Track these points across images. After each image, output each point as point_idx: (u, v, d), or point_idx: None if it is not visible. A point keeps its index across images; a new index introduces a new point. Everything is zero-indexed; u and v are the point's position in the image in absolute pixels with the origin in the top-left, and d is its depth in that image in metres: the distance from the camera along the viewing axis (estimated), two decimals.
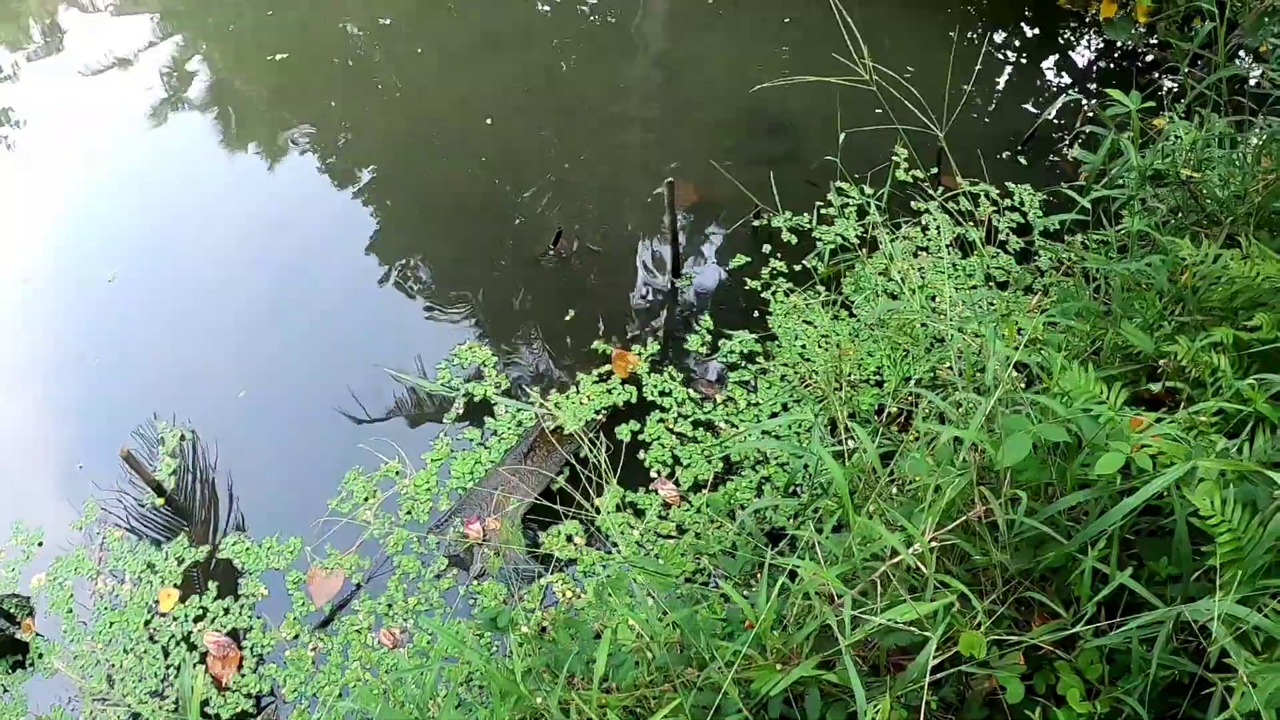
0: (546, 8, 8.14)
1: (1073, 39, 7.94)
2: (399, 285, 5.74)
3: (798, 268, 5.66)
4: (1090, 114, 6.83)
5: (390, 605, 4.25)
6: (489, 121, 6.85)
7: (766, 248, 5.79)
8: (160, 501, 4.69)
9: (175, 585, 4.38)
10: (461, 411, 4.97)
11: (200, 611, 4.30)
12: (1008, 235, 5.78)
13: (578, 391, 5.00)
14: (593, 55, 7.61)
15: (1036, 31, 7.99)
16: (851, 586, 2.85)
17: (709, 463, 4.70)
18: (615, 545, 4.40)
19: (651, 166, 6.45)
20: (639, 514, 4.51)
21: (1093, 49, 7.79)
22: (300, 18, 8.01)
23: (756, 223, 5.94)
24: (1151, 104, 4.92)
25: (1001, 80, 7.44)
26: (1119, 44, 7.56)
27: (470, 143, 6.68)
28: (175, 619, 4.27)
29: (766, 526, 4.36)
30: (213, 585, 4.38)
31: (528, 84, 7.22)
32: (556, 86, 7.26)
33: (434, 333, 5.46)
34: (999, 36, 7.87)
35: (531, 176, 6.38)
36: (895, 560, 2.83)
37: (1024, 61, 7.65)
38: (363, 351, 5.29)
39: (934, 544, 2.88)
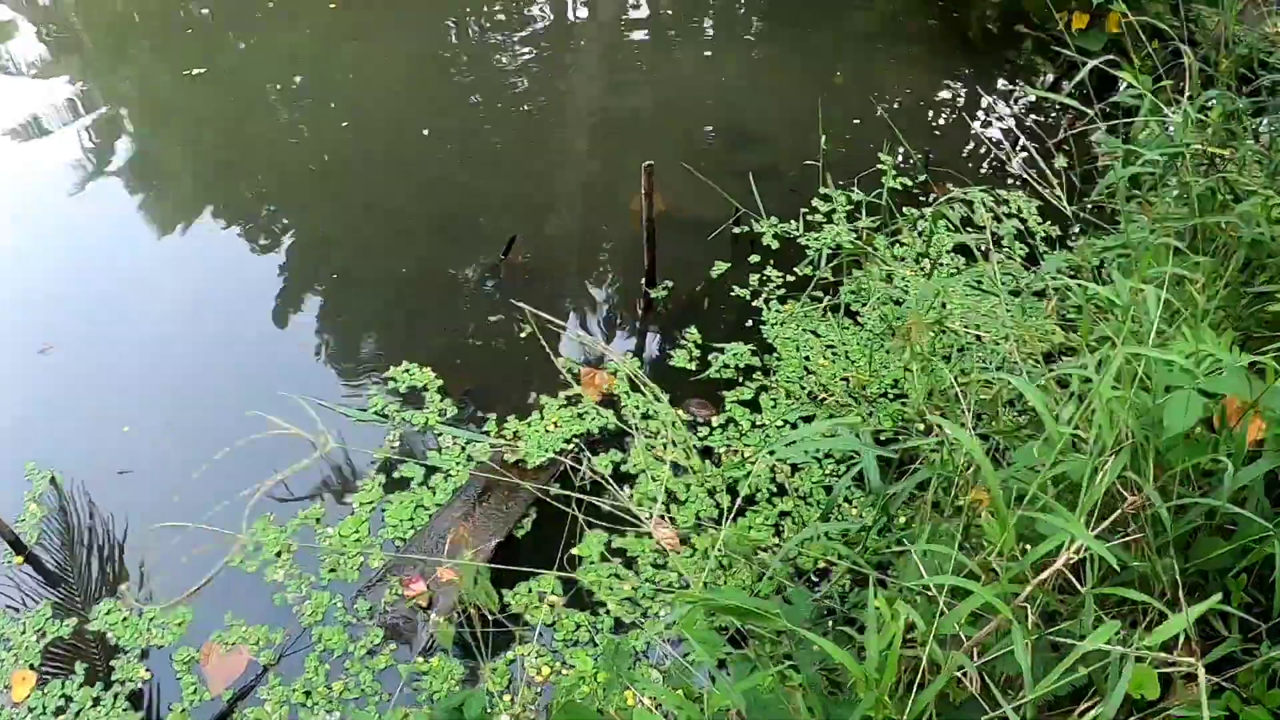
0: (499, 36, 7.39)
1: (1039, 60, 7.50)
2: (325, 303, 4.79)
3: (790, 276, 4.87)
4: (1073, 121, 6.35)
5: (309, 692, 3.25)
6: (425, 133, 6.00)
7: (755, 258, 4.99)
8: (19, 560, 3.66)
9: (32, 666, 3.33)
10: (398, 445, 4.02)
11: (63, 701, 3.25)
12: (1010, 241, 5.08)
13: (542, 418, 4.09)
14: (552, 74, 6.85)
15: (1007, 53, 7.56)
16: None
17: (712, 496, 3.80)
18: (603, 604, 3.47)
19: (615, 177, 5.66)
20: (630, 563, 3.58)
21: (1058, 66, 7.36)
22: (229, 67, 7.13)
23: (737, 230, 5.16)
24: (1165, 83, 4.41)
25: (979, 100, 6.93)
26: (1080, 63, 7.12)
27: (413, 158, 5.83)
28: (30, 710, 3.21)
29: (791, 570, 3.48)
30: (80, 667, 3.34)
31: (478, 101, 6.43)
32: (510, 102, 6.46)
33: (367, 353, 4.53)
34: (971, 60, 7.38)
35: (484, 191, 5.54)
36: (1059, 565, 1.97)
37: (999, 83, 7.14)
38: (279, 378, 4.33)
39: (1082, 551, 2.03)
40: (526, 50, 7.04)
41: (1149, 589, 2.19)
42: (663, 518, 3.72)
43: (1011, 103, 7.01)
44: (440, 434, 4.03)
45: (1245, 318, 3.15)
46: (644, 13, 7.74)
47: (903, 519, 3.21)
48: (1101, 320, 2.99)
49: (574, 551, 3.59)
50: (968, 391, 3.01)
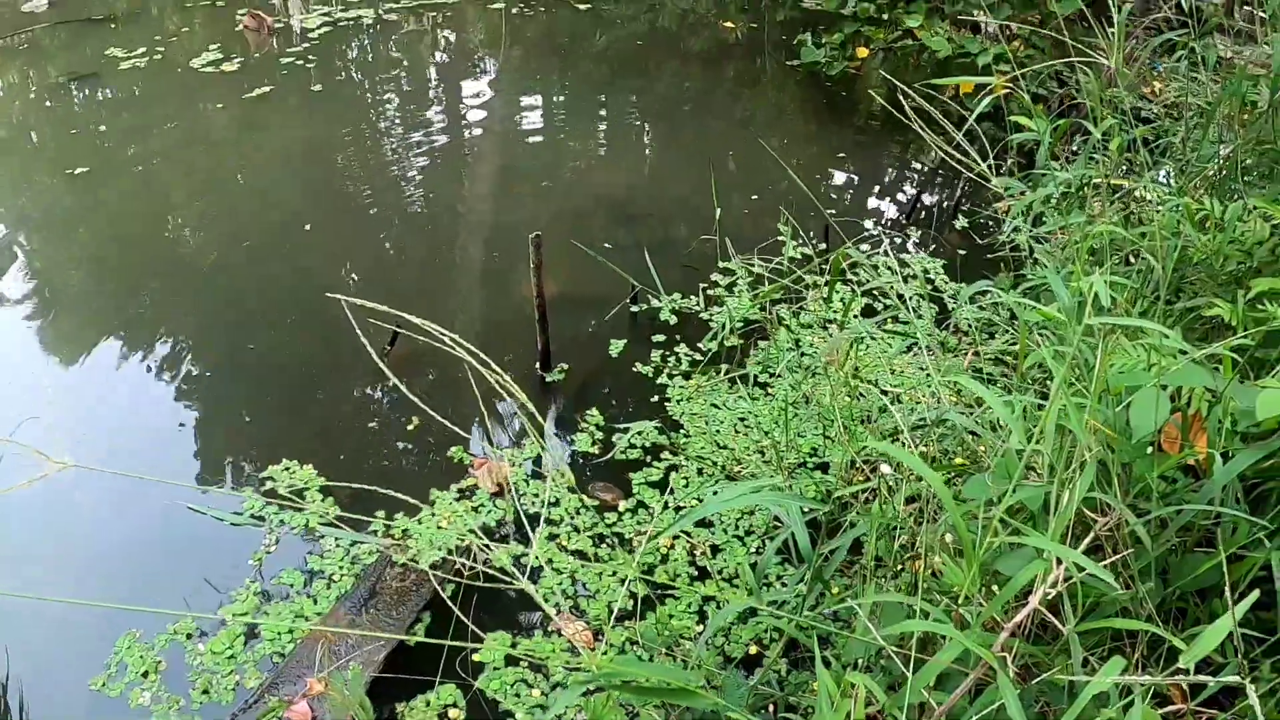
0: (393, 136, 7.14)
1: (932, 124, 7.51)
2: (200, 402, 4.36)
3: (693, 351, 4.62)
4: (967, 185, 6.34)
5: None
6: (307, 228, 5.66)
7: (660, 337, 4.71)
8: None
9: None
10: (275, 549, 3.61)
11: None
12: (918, 301, 4.93)
13: (433, 514, 3.71)
14: (443, 171, 6.61)
15: (899, 125, 7.54)
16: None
17: (623, 584, 3.44)
18: (510, 715, 3.07)
19: (507, 265, 5.38)
20: (538, 666, 3.19)
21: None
22: (112, 166, 6.74)
23: (636, 308, 4.90)
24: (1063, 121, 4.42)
25: (876, 171, 6.90)
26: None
27: (298, 254, 5.48)
28: None
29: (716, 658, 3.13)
30: None
31: (369, 197, 6.14)
32: (400, 199, 6.18)
33: (244, 452, 4.11)
34: (864, 134, 7.39)
35: (372, 284, 5.21)
36: (1035, 605, 1.68)
37: (894, 153, 7.13)
38: (151, 482, 3.89)
39: (1060, 584, 1.75)
40: (419, 148, 6.82)
41: (1130, 618, 1.92)
42: (572, 612, 3.35)
43: (909, 170, 6.98)
44: (322, 536, 3.62)
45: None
46: (538, 114, 7.61)
47: (838, 590, 2.92)
48: (1036, 345, 2.77)
49: (475, 657, 3.19)
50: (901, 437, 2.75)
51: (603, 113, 7.62)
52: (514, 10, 9.87)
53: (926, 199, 6.45)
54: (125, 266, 5.43)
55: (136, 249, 5.60)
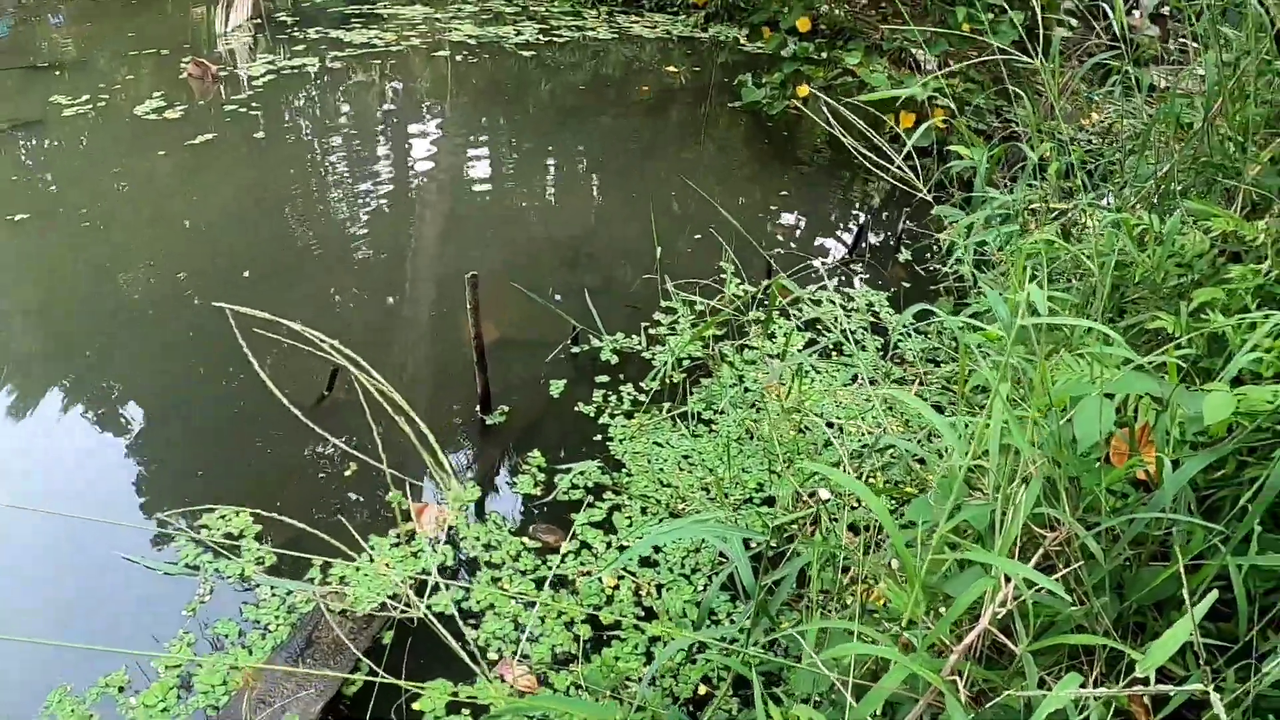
0: (339, 188, 7.03)
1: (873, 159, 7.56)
2: (133, 448, 4.20)
3: (635, 390, 4.54)
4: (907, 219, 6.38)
5: None
6: (246, 275, 5.53)
7: (602, 377, 4.64)
8: None
9: None
10: (210, 598, 3.46)
11: None
12: (863, 335, 4.90)
13: (372, 560, 3.58)
14: (387, 218, 6.52)
15: (840, 162, 7.60)
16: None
17: (570, 629, 3.33)
18: None
19: (448, 308, 5.28)
20: (480, 713, 3.07)
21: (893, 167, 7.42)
22: (52, 211, 6.59)
23: (576, 348, 4.82)
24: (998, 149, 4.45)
25: (818, 208, 6.90)
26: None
27: (231, 297, 5.32)
28: None
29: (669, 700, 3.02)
30: None
31: (304, 239, 6.02)
32: (336, 240, 6.07)
33: (177, 500, 3.96)
34: (806, 174, 7.42)
35: (308, 328, 5.08)
36: (985, 624, 1.60)
37: (836, 191, 7.15)
38: (84, 528, 3.73)
39: (1010, 602, 1.68)
40: (365, 195, 6.73)
41: (1086, 634, 1.84)
42: (514, 657, 3.23)
43: (851, 206, 6.99)
44: (258, 584, 3.48)
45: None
46: (484, 161, 7.56)
47: (786, 625, 2.83)
48: (978, 367, 2.71)
49: (415, 705, 3.06)
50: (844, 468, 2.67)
51: (549, 159, 7.59)
52: (459, 58, 9.85)
53: (869, 233, 6.46)
54: (65, 313, 5.27)
55: (77, 296, 5.44)
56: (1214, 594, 1.38)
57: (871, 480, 3.05)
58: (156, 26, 10.78)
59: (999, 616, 1.62)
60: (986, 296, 2.48)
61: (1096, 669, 1.85)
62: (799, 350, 4.73)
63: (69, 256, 5.84)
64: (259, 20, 10.74)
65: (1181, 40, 6.73)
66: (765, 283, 5.31)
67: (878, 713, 1.58)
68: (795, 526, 3.24)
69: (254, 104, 8.22)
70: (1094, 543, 1.83)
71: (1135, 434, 2.24)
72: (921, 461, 3.04)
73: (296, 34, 10.34)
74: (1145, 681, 1.32)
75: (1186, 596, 1.34)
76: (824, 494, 2.09)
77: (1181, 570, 1.53)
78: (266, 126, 7.79)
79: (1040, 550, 1.82)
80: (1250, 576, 1.99)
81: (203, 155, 7.15)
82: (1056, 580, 1.73)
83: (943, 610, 1.77)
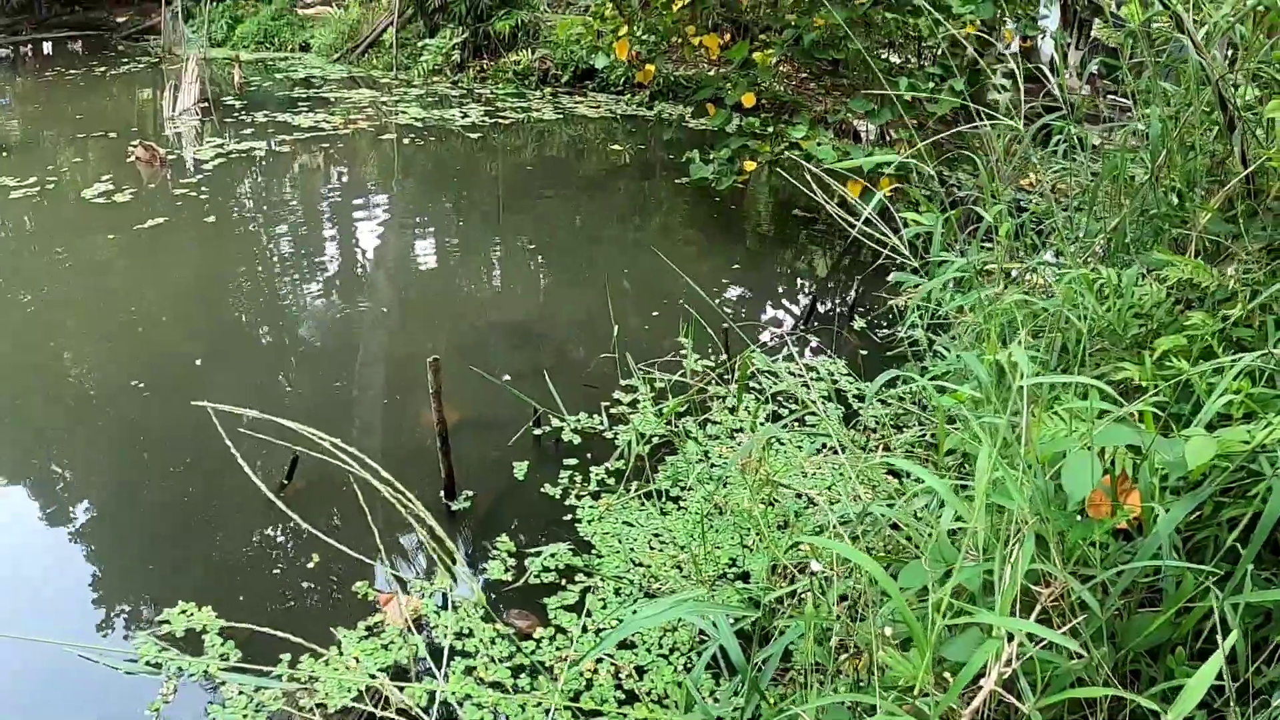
0: (287, 274, 6.96)
1: (822, 229, 7.66)
2: (87, 545, 4.06)
3: (600, 470, 4.49)
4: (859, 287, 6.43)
5: None
6: (198, 363, 5.43)
7: (566, 459, 4.58)
8: None
9: None
10: (173, 698, 3.32)
11: None
12: (824, 403, 4.90)
13: (340, 653, 3.47)
14: (338, 305, 6.45)
15: (790, 234, 7.68)
16: None
17: (548, 715, 3.24)
18: None
19: (405, 394, 5.21)
20: None
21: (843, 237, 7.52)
22: None
23: (538, 430, 4.76)
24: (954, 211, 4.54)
25: (771, 279, 6.95)
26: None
27: (183, 386, 5.24)
28: None
29: None
30: None
31: (255, 325, 5.94)
32: (287, 327, 6.00)
33: (136, 597, 3.83)
34: (757, 245, 7.49)
35: (264, 419, 4.96)
36: (992, 685, 1.56)
37: (787, 261, 7.22)
38: (36, 624, 3.58)
39: (1014, 662, 1.65)
40: (315, 281, 6.69)
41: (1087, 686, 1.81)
42: None
43: (802, 277, 7.04)
44: (223, 682, 3.35)
45: None
46: (432, 244, 7.55)
47: (774, 699, 2.77)
48: (951, 430, 2.71)
49: None
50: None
51: (497, 240, 7.59)
52: (405, 141, 9.89)
53: (822, 304, 6.50)
54: (11, 405, 5.14)
55: (23, 386, 5.32)
56: (1235, 634, 1.36)
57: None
58: (104, 109, 10.77)
59: (1004, 676, 1.59)
60: (951, 358, 2.48)
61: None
62: (764, 423, 4.71)
63: (14, 344, 5.73)
64: (206, 104, 10.75)
65: (1111, 97, 6.90)
66: (727, 359, 5.32)
67: None
68: (777, 601, 3.19)
69: (203, 188, 8.20)
70: (1089, 596, 1.81)
71: (1115, 482, 2.24)
72: (896, 527, 3.01)
73: (244, 117, 10.37)
74: None
75: (1184, 647, 1.31)
76: (815, 566, 2.05)
77: (1182, 612, 1.51)
78: (216, 210, 7.75)
79: (1038, 607, 1.79)
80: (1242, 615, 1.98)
81: (153, 239, 7.09)
82: (1059, 634, 1.70)
83: (948, 675, 1.73)
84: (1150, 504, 1.99)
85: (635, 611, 3.34)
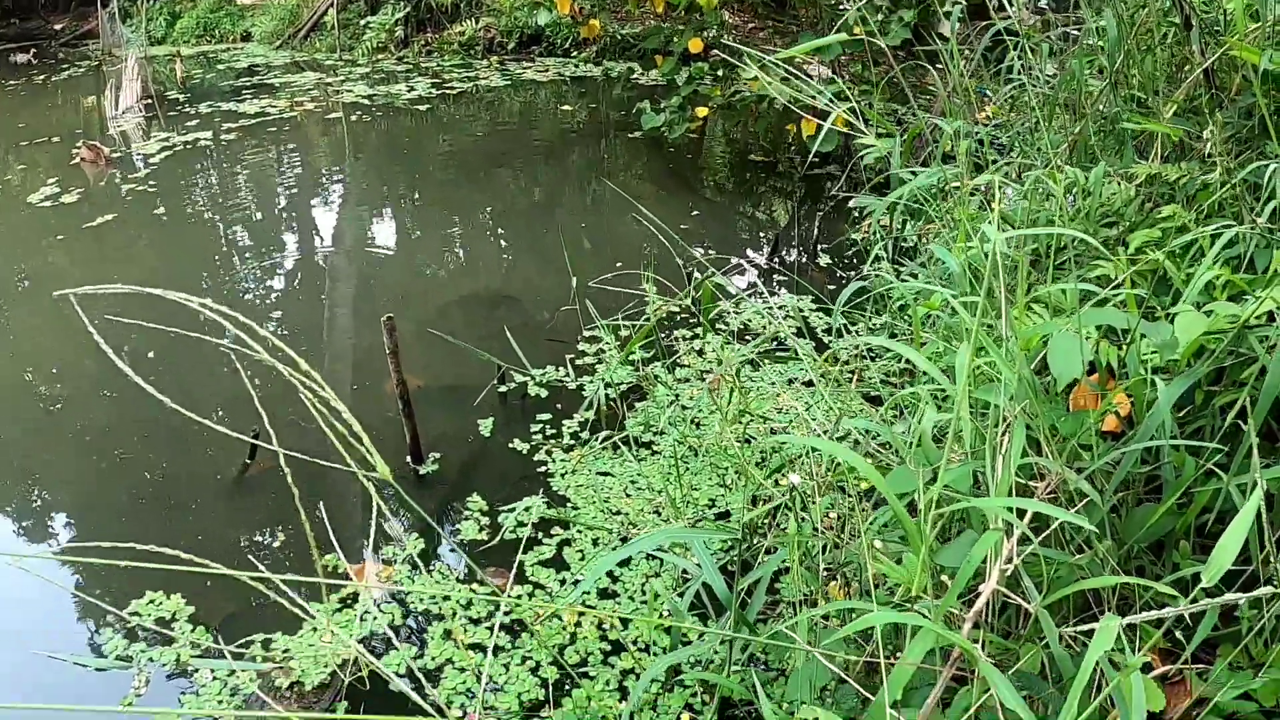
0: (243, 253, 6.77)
1: (780, 172, 7.54)
2: (50, 540, 3.91)
3: (569, 423, 4.37)
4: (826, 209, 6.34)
5: None
6: (151, 355, 5.25)
7: (536, 413, 4.46)
8: None
9: None
10: (145, 690, 3.19)
11: None
12: (794, 333, 4.81)
13: (314, 629, 3.34)
14: (288, 286, 6.29)
15: (749, 178, 7.56)
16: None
17: (535, 674, 3.13)
18: None
19: (365, 363, 5.06)
20: None
21: (800, 177, 7.40)
22: None
23: (503, 387, 4.64)
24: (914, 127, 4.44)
25: (734, 224, 6.83)
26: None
27: (131, 382, 5.06)
28: None
29: None
30: None
31: (204, 313, 5.73)
32: (245, 316, 5.79)
33: (102, 589, 3.68)
34: (718, 193, 7.37)
35: (223, 397, 4.82)
36: (994, 584, 1.46)
37: (749, 206, 7.10)
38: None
39: (1015, 560, 1.54)
40: (271, 268, 6.52)
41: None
42: (481, 711, 3.02)
43: (762, 220, 6.94)
44: (196, 670, 3.22)
45: None
46: (389, 223, 7.38)
47: (768, 629, 2.67)
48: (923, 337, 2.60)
49: None
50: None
51: (454, 212, 7.42)
52: (353, 118, 9.69)
53: (785, 244, 6.39)
54: None
55: None
56: (1259, 492, 1.25)
57: (828, 477, 2.92)
58: (47, 116, 10.50)
59: (1006, 574, 1.48)
60: (936, 252, 2.37)
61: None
62: (732, 346, 4.62)
63: None
64: (149, 100, 10.50)
65: (1063, 27, 6.79)
66: (691, 300, 5.20)
67: (899, 698, 1.42)
68: (760, 534, 3.09)
69: (151, 182, 7.98)
70: (1088, 486, 1.70)
71: (1103, 376, 2.14)
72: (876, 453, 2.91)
73: (188, 110, 10.13)
74: (1209, 592, 1.19)
75: (1182, 555, 1.20)
76: (794, 479, 1.94)
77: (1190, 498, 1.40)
78: (166, 203, 7.54)
79: (1035, 499, 1.69)
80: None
81: (103, 236, 6.89)
82: (1053, 534, 1.60)
83: (945, 581, 1.62)
84: (1143, 381, 1.89)
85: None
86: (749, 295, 5.30)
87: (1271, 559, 1.59)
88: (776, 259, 6.06)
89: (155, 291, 1.67)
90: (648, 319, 4.02)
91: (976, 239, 1.81)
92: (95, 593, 3.69)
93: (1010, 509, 1.44)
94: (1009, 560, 1.50)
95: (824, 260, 5.92)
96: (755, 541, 2.83)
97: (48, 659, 3.32)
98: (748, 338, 4.90)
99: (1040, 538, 1.52)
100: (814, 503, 2.16)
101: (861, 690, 1.51)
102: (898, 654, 1.72)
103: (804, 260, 6.05)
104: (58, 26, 19.67)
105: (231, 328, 1.35)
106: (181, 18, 17.14)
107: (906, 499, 1.85)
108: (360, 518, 3.89)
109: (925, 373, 2.32)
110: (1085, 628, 1.19)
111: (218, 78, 11.78)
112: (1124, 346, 2.08)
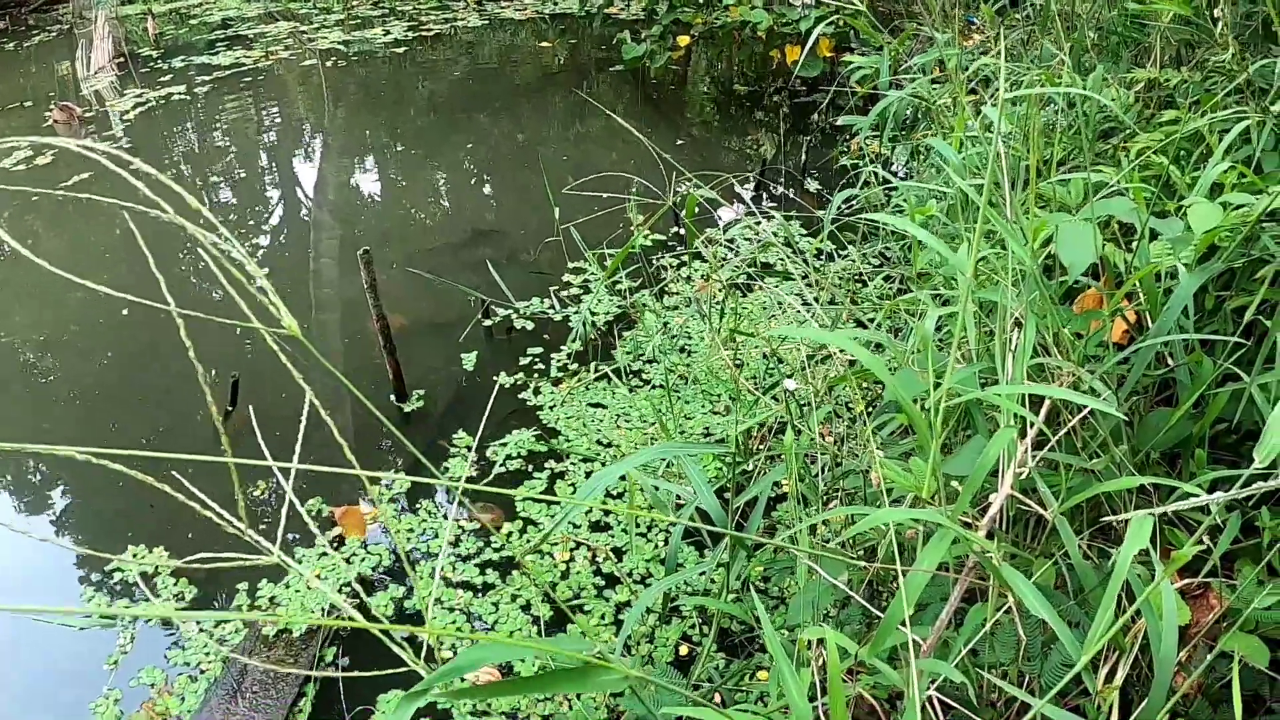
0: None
1: (765, 105, 7.38)
2: (22, 502, 3.81)
3: (557, 354, 4.26)
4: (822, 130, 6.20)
5: None
6: (125, 313, 5.11)
7: (523, 346, 4.35)
8: None
9: None
10: (131, 647, 3.10)
11: None
12: (780, 263, 4.69)
13: (301, 575, 3.24)
14: (272, 241, 6.10)
15: (734, 109, 7.38)
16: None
17: (526, 611, 3.04)
18: None
19: (351, 319, 4.92)
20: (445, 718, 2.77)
21: (786, 106, 7.23)
22: None
23: (488, 321, 4.53)
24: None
25: (720, 153, 6.68)
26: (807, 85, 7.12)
27: (117, 336, 4.92)
28: None
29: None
30: None
31: (190, 271, 5.61)
32: (221, 269, 5.64)
33: (82, 545, 3.60)
34: (702, 123, 7.21)
35: (202, 349, 4.66)
36: (1008, 489, 1.35)
37: (736, 137, 6.95)
38: None
39: (1029, 462, 1.44)
40: (253, 221, 6.35)
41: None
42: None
43: (748, 148, 6.79)
44: (182, 622, 3.13)
45: None
46: (372, 171, 7.20)
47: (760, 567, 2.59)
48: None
49: None
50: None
51: (435, 156, 7.25)
52: (329, 64, 9.47)
53: (773, 171, 6.24)
54: None
55: None
56: None
57: (826, 391, 2.81)
58: (20, 84, 10.25)
59: (1021, 477, 1.37)
60: (933, 145, 2.24)
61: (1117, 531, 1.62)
62: (721, 289, 4.50)
63: None
64: (121, 59, 10.26)
65: None
66: (675, 230, 5.07)
67: (911, 611, 1.31)
68: (755, 455, 2.99)
69: (125, 138, 7.79)
70: (1102, 384, 1.60)
71: (1111, 279, 2.03)
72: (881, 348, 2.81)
73: (161, 65, 9.89)
74: (1261, 476, 1.09)
75: (1200, 464, 1.10)
76: (789, 384, 1.83)
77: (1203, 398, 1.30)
78: (143, 158, 7.35)
79: (1046, 405, 1.58)
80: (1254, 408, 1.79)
81: (78, 196, 6.72)
82: (1064, 439, 1.49)
83: (956, 486, 1.52)
84: (1154, 278, 1.77)
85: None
86: (737, 221, 5.17)
87: None
88: (765, 186, 5.92)
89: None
90: (633, 239, 3.89)
91: (978, 123, 1.69)
92: (77, 551, 3.60)
93: (1024, 403, 1.33)
94: (1023, 464, 1.40)
95: (812, 186, 5.78)
96: (751, 461, 2.74)
97: (32, 621, 3.23)
98: (739, 263, 4.78)
99: (1054, 440, 1.41)
100: (811, 411, 2.05)
101: (869, 607, 1.41)
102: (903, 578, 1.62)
103: (793, 189, 5.91)
104: None
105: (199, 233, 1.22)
106: None
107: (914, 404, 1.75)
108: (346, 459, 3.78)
109: (921, 284, 2.19)
110: (1115, 519, 1.09)
111: (190, 33, 11.51)
112: (1132, 248, 1.97)
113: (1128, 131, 3.06)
